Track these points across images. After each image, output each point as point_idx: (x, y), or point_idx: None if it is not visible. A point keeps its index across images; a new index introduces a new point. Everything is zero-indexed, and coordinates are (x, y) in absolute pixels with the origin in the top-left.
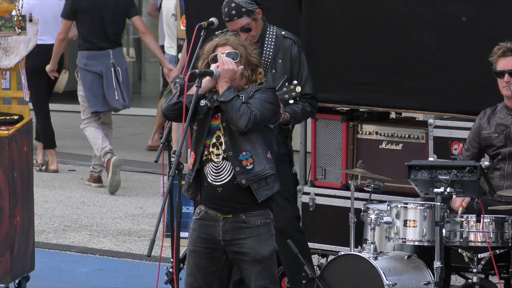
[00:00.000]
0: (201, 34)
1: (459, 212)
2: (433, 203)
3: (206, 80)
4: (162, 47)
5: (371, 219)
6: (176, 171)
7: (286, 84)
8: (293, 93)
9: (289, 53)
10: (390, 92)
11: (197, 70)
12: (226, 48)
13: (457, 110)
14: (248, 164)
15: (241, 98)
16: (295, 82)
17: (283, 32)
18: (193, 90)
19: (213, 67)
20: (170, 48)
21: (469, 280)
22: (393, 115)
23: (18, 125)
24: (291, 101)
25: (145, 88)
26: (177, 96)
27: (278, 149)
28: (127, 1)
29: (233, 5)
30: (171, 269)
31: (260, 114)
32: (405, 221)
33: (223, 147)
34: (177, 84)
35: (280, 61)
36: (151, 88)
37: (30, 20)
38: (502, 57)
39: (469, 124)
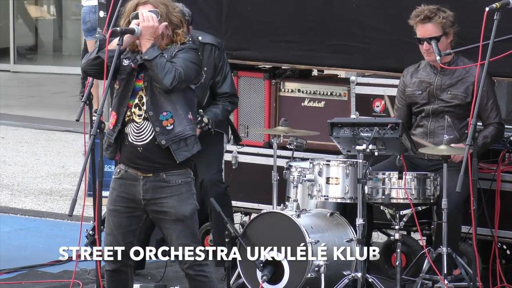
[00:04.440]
0: None
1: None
2: (356, 160)
3: (127, 36)
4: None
5: (294, 177)
6: (98, 130)
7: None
8: (202, 124)
9: (213, 58)
10: (312, 49)
11: (118, 28)
12: (147, 7)
13: (379, 67)
14: (168, 124)
15: (165, 56)
16: (201, 111)
17: (200, 37)
18: (113, 46)
19: (134, 24)
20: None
21: (391, 237)
22: (315, 72)
23: None
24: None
25: (66, 46)
26: (96, 51)
27: None
28: None
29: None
30: (91, 231)
31: (184, 72)
32: (328, 179)
33: (145, 107)
34: (97, 40)
35: (205, 68)
36: (72, 46)
37: None
38: (420, 23)
39: (391, 81)
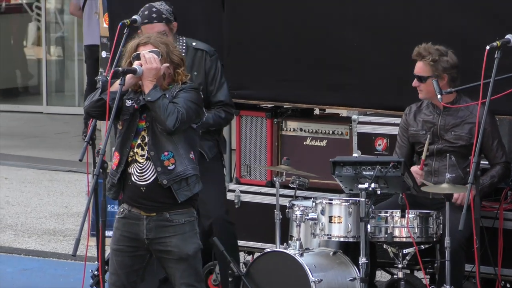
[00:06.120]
0: (124, 32)
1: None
2: (358, 199)
3: (129, 77)
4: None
5: (297, 216)
6: (101, 170)
7: None
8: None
9: (203, 64)
10: (313, 88)
11: (120, 68)
12: (148, 47)
13: (381, 105)
14: (170, 164)
15: (167, 97)
16: None
17: (194, 43)
18: (115, 87)
19: (136, 64)
20: None
21: (395, 276)
22: (317, 111)
23: None
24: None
25: (69, 86)
26: (99, 93)
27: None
28: None
29: (154, 9)
30: (96, 272)
31: (186, 113)
32: (330, 217)
33: (147, 147)
34: (100, 82)
35: (195, 73)
36: (74, 86)
37: None
38: (416, 59)
39: (393, 120)
